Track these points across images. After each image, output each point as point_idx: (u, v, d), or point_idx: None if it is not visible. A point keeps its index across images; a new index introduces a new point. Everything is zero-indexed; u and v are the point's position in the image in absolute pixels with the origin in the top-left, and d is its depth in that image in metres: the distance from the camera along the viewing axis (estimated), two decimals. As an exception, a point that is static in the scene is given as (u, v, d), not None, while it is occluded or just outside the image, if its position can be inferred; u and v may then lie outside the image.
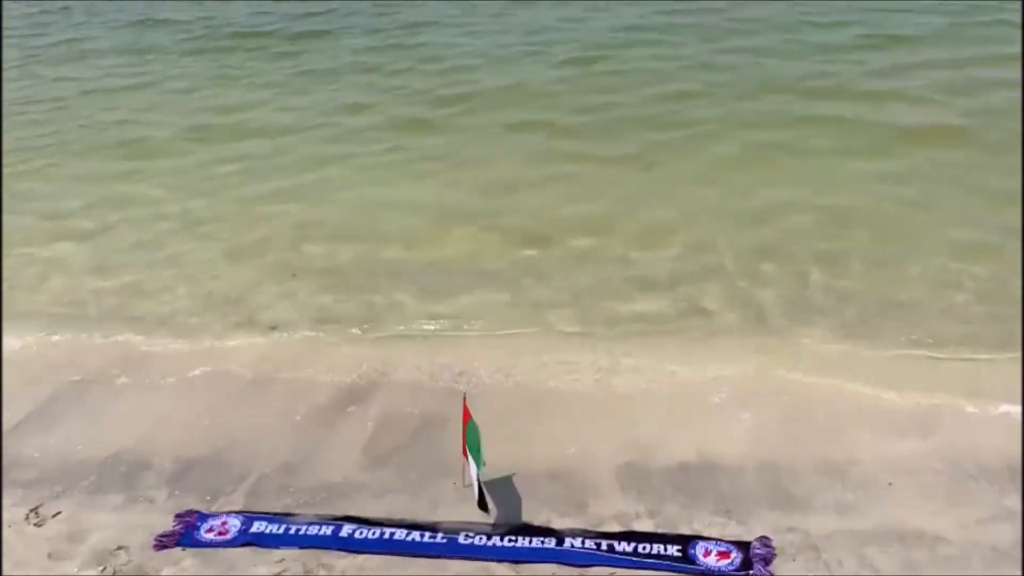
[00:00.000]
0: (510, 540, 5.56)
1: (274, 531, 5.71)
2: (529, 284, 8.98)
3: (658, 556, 5.38)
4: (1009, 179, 9.95)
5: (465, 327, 8.38)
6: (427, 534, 5.63)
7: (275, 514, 5.91)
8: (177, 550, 5.57)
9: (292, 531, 5.71)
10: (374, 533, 5.65)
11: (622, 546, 5.46)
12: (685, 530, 5.57)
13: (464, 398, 5.95)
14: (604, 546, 5.46)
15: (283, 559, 5.40)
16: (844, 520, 5.53)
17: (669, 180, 10.82)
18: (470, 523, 5.71)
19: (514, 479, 6.08)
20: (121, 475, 6.40)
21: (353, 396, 7.35)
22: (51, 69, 17.44)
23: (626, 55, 15.25)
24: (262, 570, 5.34)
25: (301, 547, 5.55)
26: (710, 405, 6.92)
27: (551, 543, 5.51)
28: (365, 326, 8.50)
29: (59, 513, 5.97)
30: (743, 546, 5.41)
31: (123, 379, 7.79)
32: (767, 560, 5.27)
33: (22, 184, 12.11)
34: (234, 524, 5.81)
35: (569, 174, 11.21)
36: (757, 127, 12.11)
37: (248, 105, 14.50)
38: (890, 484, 5.83)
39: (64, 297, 9.43)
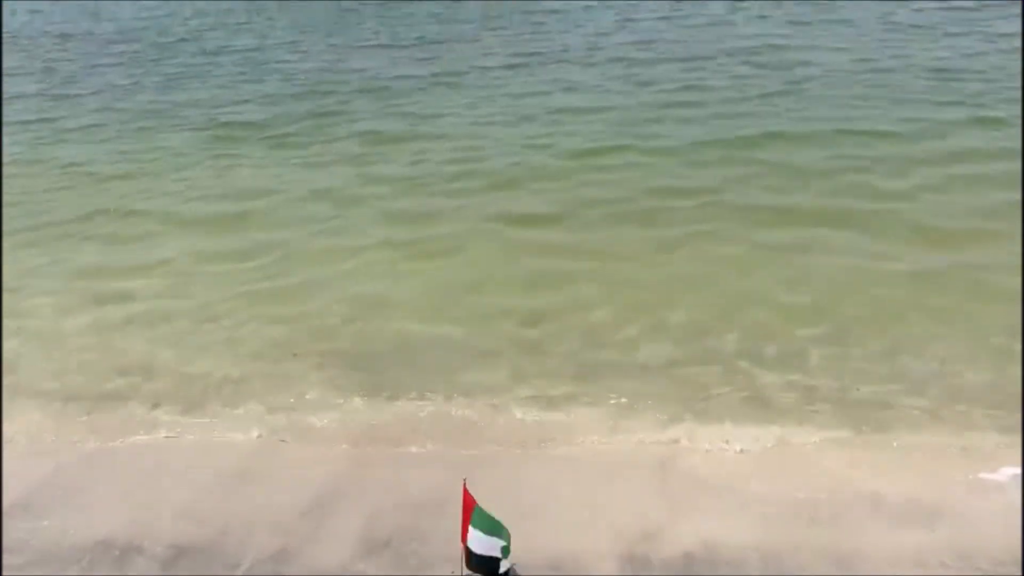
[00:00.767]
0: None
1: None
2: (527, 362, 9.02)
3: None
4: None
5: (466, 404, 8.36)
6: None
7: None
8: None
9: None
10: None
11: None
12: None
13: (464, 483, 5.87)
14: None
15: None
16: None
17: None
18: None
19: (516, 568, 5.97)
20: (113, 560, 6.28)
21: (348, 481, 7.24)
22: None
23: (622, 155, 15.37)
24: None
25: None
26: (715, 487, 6.83)
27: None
28: (361, 406, 8.49)
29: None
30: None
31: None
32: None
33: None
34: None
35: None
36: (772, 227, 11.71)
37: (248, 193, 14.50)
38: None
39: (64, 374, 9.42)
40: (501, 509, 5.85)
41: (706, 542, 6.20)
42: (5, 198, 14.26)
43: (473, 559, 5.81)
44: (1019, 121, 14.61)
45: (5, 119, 19.46)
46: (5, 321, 10.40)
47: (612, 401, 8.25)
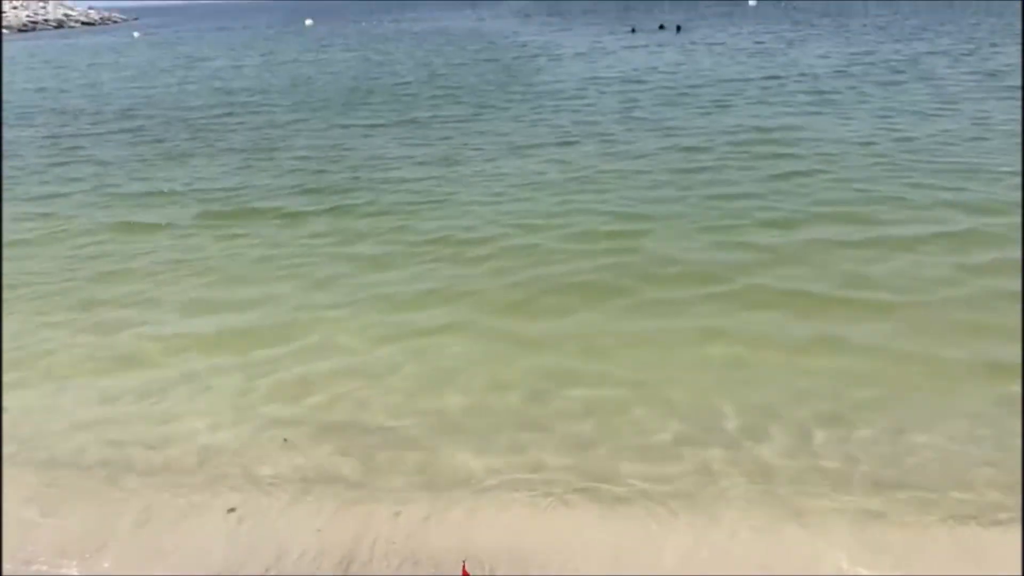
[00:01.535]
0: None
1: None
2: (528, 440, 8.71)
3: None
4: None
5: (460, 489, 8.01)
6: None
7: None
8: None
9: None
10: None
11: None
12: None
13: (464, 566, 5.68)
14: None
15: None
16: None
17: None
18: None
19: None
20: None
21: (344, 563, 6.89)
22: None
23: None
24: None
25: None
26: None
27: None
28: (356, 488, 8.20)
29: None
30: None
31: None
32: None
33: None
34: None
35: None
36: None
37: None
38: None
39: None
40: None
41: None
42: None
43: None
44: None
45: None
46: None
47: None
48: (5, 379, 10.29)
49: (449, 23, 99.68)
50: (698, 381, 9.55)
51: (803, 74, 34.21)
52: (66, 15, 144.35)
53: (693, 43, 53.11)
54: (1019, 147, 19.16)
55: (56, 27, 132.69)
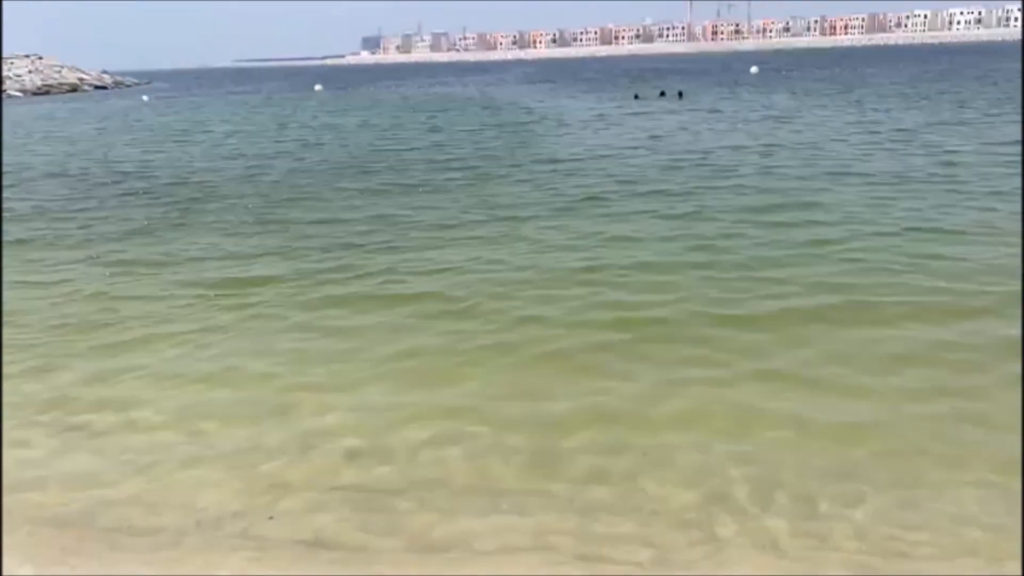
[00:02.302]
0: None
1: None
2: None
3: None
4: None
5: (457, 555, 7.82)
6: None
7: None
8: None
9: None
10: None
11: None
12: None
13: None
14: None
15: None
16: None
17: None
18: None
19: None
20: None
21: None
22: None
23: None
24: None
25: None
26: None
27: None
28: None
29: None
30: None
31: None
32: None
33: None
34: None
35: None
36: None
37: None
38: None
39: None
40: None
41: None
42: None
43: None
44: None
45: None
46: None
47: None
48: None
49: (453, 89, 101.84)
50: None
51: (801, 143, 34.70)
52: (80, 79, 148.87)
53: (695, 109, 54.11)
54: None
55: (70, 90, 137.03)
